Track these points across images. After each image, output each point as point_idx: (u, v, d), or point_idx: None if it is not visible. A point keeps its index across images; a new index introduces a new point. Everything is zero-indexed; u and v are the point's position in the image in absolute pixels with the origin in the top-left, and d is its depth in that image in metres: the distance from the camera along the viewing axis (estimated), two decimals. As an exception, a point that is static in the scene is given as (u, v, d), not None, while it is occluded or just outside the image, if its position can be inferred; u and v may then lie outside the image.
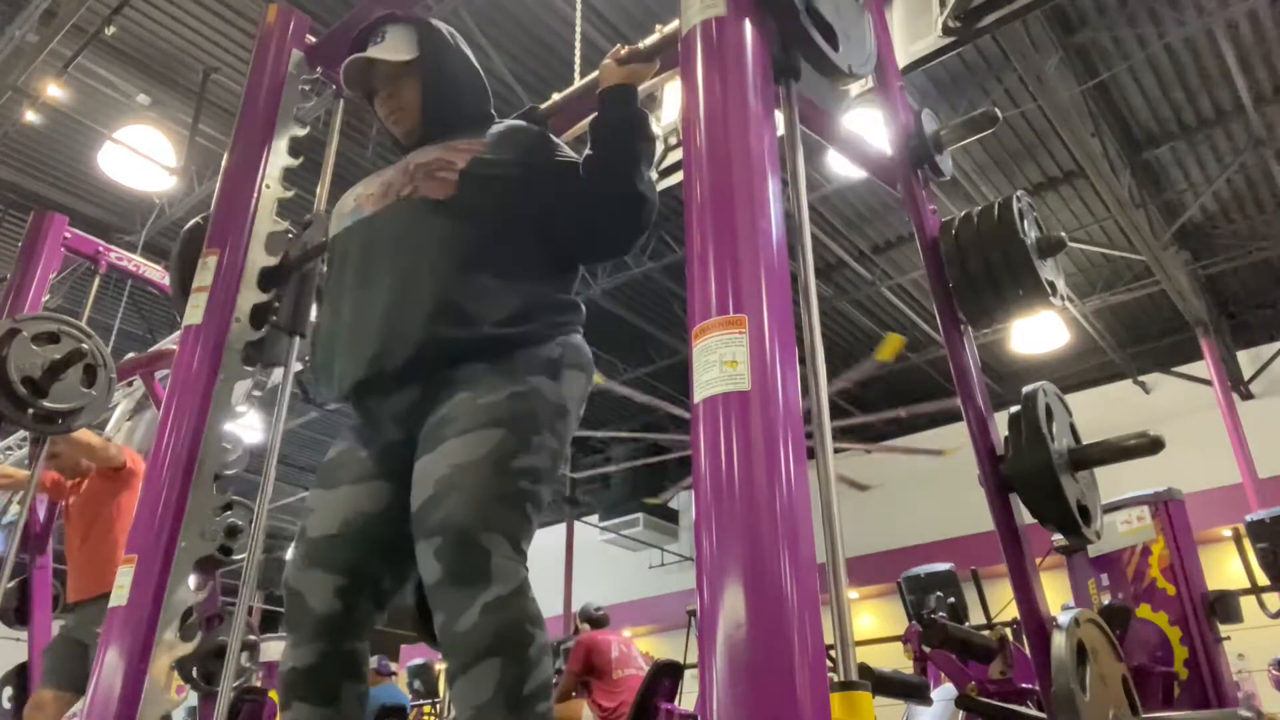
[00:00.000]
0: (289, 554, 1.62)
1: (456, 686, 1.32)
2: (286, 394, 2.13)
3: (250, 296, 2.24)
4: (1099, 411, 7.97)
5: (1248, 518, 3.67)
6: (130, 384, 4.73)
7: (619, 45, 1.75)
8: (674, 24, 1.63)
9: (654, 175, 1.71)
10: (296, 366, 2.20)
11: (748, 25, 1.37)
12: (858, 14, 1.62)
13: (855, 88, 3.95)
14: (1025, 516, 1.66)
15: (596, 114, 1.70)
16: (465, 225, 1.59)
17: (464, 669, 1.31)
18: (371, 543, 1.53)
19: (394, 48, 1.78)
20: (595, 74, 1.80)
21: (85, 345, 2.94)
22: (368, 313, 1.56)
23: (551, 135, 1.82)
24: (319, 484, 1.62)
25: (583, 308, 1.72)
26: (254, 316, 2.18)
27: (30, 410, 2.81)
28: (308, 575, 1.52)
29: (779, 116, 1.42)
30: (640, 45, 1.73)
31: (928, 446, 9.49)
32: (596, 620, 5.44)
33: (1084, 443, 1.71)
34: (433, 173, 1.63)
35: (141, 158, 6.90)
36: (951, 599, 4.31)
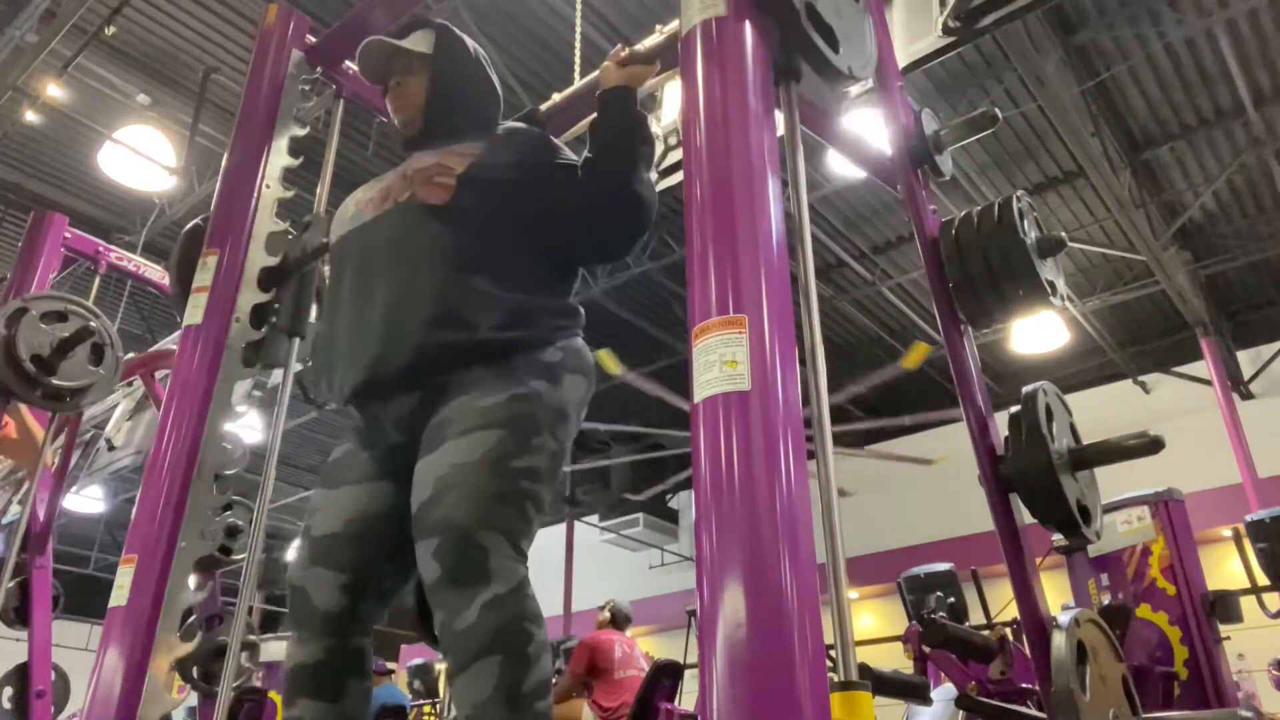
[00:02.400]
0: (293, 552, 1.63)
1: (456, 685, 1.33)
2: (286, 394, 2.13)
3: (250, 296, 2.24)
4: (1099, 411, 7.96)
5: (1248, 518, 3.67)
6: (130, 384, 4.73)
7: (619, 46, 1.75)
8: (674, 24, 1.63)
9: (654, 176, 1.71)
10: (296, 367, 2.20)
11: (748, 26, 1.37)
12: (858, 16, 1.62)
13: (855, 88, 3.94)
14: (1025, 516, 1.66)
15: (596, 116, 1.70)
16: (463, 230, 1.60)
17: (463, 668, 1.31)
18: (375, 542, 1.54)
19: (412, 40, 1.83)
20: (595, 74, 1.80)
21: (93, 324, 2.96)
22: (367, 318, 1.57)
23: (551, 138, 1.83)
24: (323, 483, 1.64)
25: (582, 312, 1.72)
26: (254, 317, 2.18)
27: (39, 388, 2.83)
28: (312, 572, 1.53)
29: (779, 117, 1.42)
30: (640, 47, 1.72)
31: (917, 450, 9.53)
32: (621, 620, 5.43)
33: (1084, 443, 1.71)
34: (430, 178, 1.64)
35: (141, 158, 6.90)
36: (951, 599, 4.31)
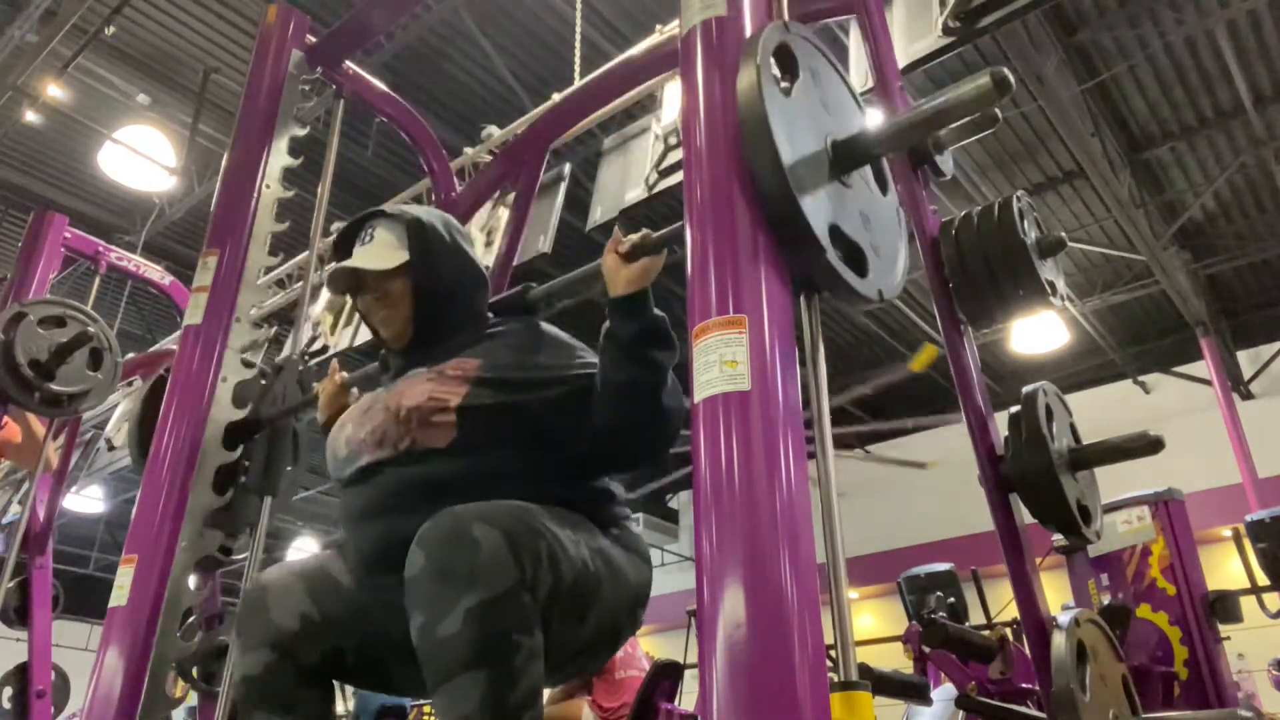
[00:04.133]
0: (293, 552, 1.62)
1: (437, 696, 1.22)
2: (257, 561, 1.99)
3: (250, 297, 2.24)
4: (1099, 411, 7.96)
5: (1248, 518, 3.67)
6: (130, 384, 4.73)
7: (616, 235, 1.48)
8: (673, 29, 1.62)
9: (675, 382, 1.51)
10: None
11: (748, 25, 1.37)
12: (890, 217, 1.48)
13: (855, 88, 3.94)
14: (1025, 516, 1.66)
15: (607, 326, 1.47)
16: (473, 465, 1.46)
17: (444, 680, 1.21)
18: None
19: (382, 253, 1.63)
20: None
21: (91, 329, 2.97)
22: (385, 552, 1.45)
23: (551, 334, 1.67)
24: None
25: (620, 494, 1.61)
26: (217, 481, 2.04)
27: (37, 393, 2.85)
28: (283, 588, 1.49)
29: (802, 322, 1.33)
30: (646, 236, 1.45)
31: (917, 451, 9.50)
32: None
33: (1084, 443, 1.71)
34: (427, 419, 1.48)
35: (141, 158, 6.90)
36: (951, 599, 4.31)
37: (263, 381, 2.11)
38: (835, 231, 1.27)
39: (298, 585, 1.47)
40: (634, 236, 1.46)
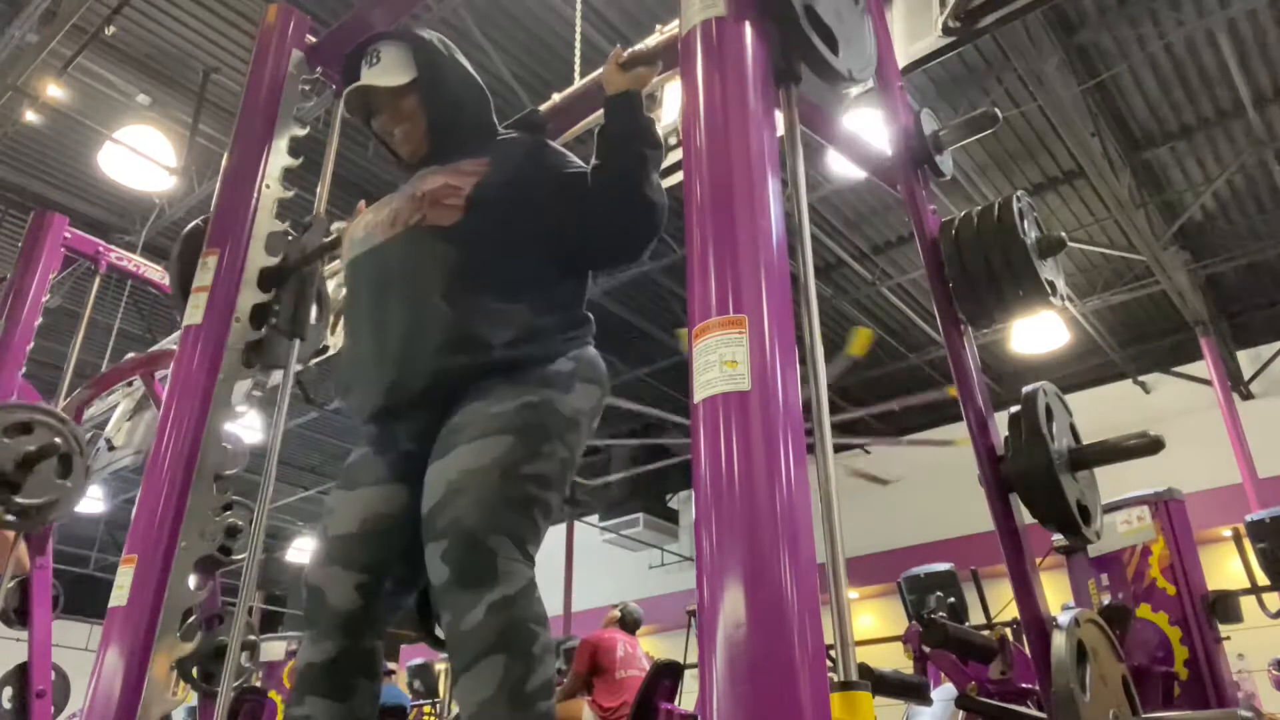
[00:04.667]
0: (293, 552, 1.64)
1: (460, 683, 1.34)
2: (287, 395, 2.13)
3: (250, 296, 2.24)
4: (1099, 411, 7.97)
5: (1248, 518, 3.67)
6: (130, 384, 4.73)
7: (619, 47, 1.71)
8: (674, 24, 1.62)
9: (660, 182, 1.69)
10: (297, 367, 2.20)
11: (748, 26, 1.37)
12: (858, 18, 1.61)
13: (855, 88, 3.95)
14: (1025, 516, 1.66)
15: (603, 123, 1.67)
16: (473, 250, 1.60)
17: (468, 666, 1.33)
18: (389, 542, 1.56)
19: (390, 71, 1.76)
20: (596, 74, 1.79)
21: (59, 437, 2.85)
22: (382, 344, 1.59)
23: (554, 146, 1.81)
24: (340, 485, 1.66)
25: (592, 320, 1.72)
26: (253, 317, 2.17)
27: (2, 507, 2.73)
28: (328, 571, 1.55)
29: (779, 116, 1.42)
30: (642, 46, 1.71)
31: (905, 453, 9.48)
32: (630, 623, 5.42)
33: (1084, 443, 1.71)
34: (439, 200, 1.63)
35: (141, 158, 6.90)
36: (951, 599, 4.31)
37: (290, 236, 2.26)
38: (809, 11, 1.40)
39: (348, 562, 1.54)
40: (632, 48, 1.69)
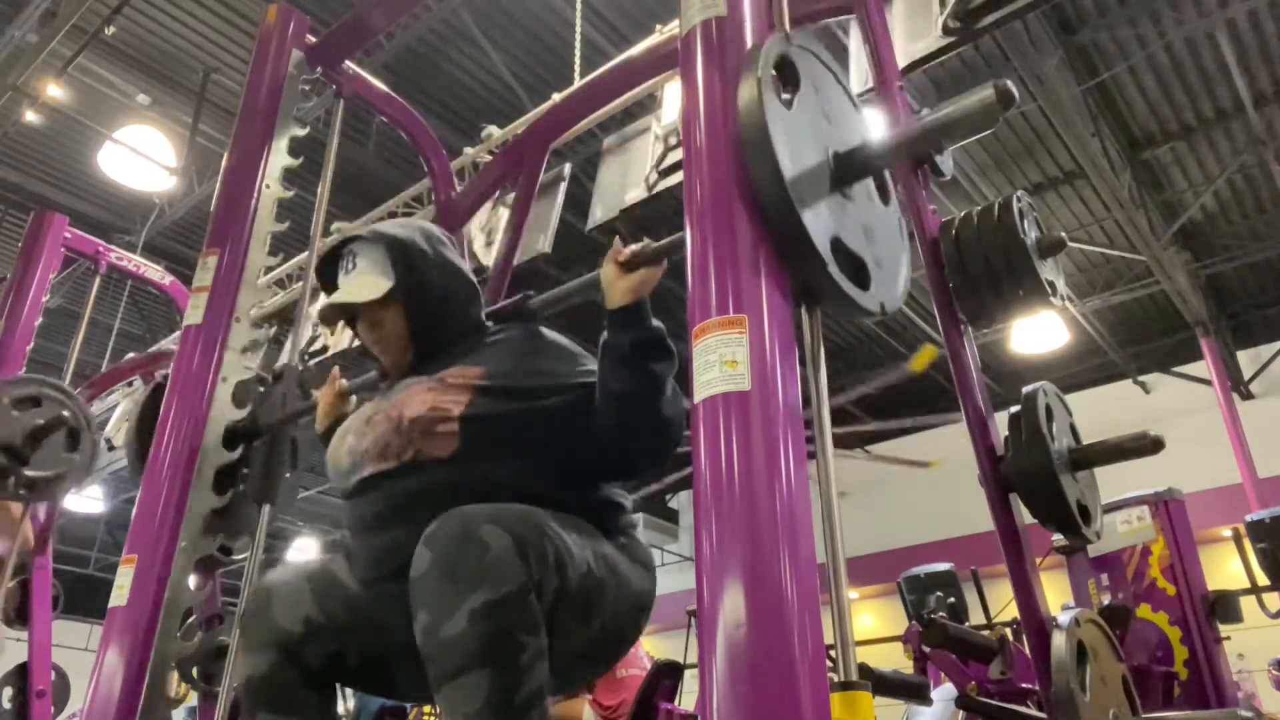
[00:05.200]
0: (293, 552, 1.61)
1: (441, 695, 1.22)
2: (256, 562, 1.98)
3: (250, 297, 2.24)
4: (1099, 411, 7.97)
5: (1248, 518, 3.67)
6: (130, 384, 4.73)
7: (618, 244, 1.48)
8: (674, 24, 1.62)
9: (676, 390, 1.49)
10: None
11: (748, 25, 1.37)
12: (892, 227, 1.46)
13: (855, 87, 3.95)
14: (1025, 516, 1.66)
15: (604, 337, 1.46)
16: (477, 473, 1.45)
17: (450, 677, 1.21)
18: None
19: (367, 281, 1.61)
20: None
21: (67, 410, 2.85)
22: (380, 562, 1.48)
23: (549, 338, 1.66)
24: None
25: (626, 504, 1.59)
26: (217, 482, 2.03)
27: (11, 478, 2.73)
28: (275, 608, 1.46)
29: (803, 332, 1.33)
30: (646, 246, 1.45)
31: (916, 451, 9.48)
32: None
33: (1084, 443, 1.71)
34: (430, 429, 1.47)
35: (141, 158, 6.90)
36: (951, 599, 4.31)
37: (261, 388, 2.09)
38: (837, 244, 1.26)
39: (303, 588, 1.47)
40: (634, 246, 1.45)
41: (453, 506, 1.32)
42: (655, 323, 1.46)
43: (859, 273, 1.30)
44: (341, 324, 1.74)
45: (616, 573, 1.44)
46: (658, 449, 1.50)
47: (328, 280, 1.71)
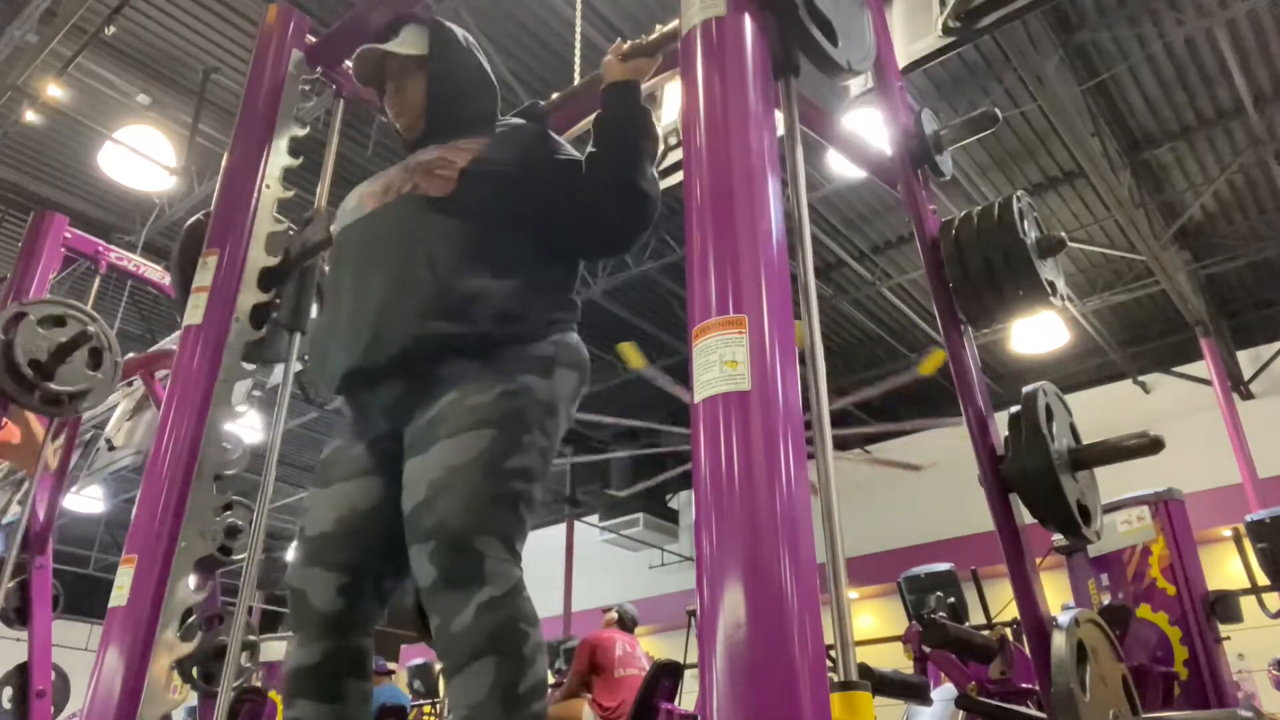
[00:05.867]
0: (293, 552, 1.62)
1: (451, 686, 1.34)
2: (287, 392, 2.13)
3: (250, 296, 2.24)
4: (1099, 411, 7.96)
5: (1248, 518, 3.67)
6: (130, 384, 4.73)
7: (620, 40, 1.74)
8: (674, 23, 1.62)
9: (655, 174, 1.71)
10: (297, 366, 2.20)
11: (748, 25, 1.37)
12: (857, 10, 1.62)
13: (855, 87, 3.95)
14: (1025, 516, 1.66)
15: (600, 110, 1.69)
16: (463, 222, 1.60)
17: (459, 669, 1.32)
18: (368, 539, 1.54)
19: (404, 43, 1.81)
20: (597, 72, 1.79)
21: (91, 328, 2.97)
22: (363, 305, 1.58)
23: (552, 134, 1.83)
24: (315, 482, 1.64)
25: (578, 305, 1.72)
26: (254, 316, 2.17)
27: (37, 392, 2.86)
28: (309, 573, 1.53)
29: (779, 116, 1.42)
30: (643, 40, 1.71)
31: (913, 451, 9.47)
32: (628, 623, 5.43)
33: (1084, 443, 1.71)
34: (432, 170, 1.65)
35: (141, 158, 6.90)
36: (951, 599, 4.31)
37: (291, 230, 2.26)
38: (809, 3, 1.39)
39: (326, 549, 1.54)
40: (632, 41, 1.71)
41: (434, 249, 1.53)
42: (643, 106, 1.68)
43: (828, 31, 1.44)
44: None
45: (555, 419, 1.56)
46: (635, 217, 1.66)
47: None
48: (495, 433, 1.44)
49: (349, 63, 2.66)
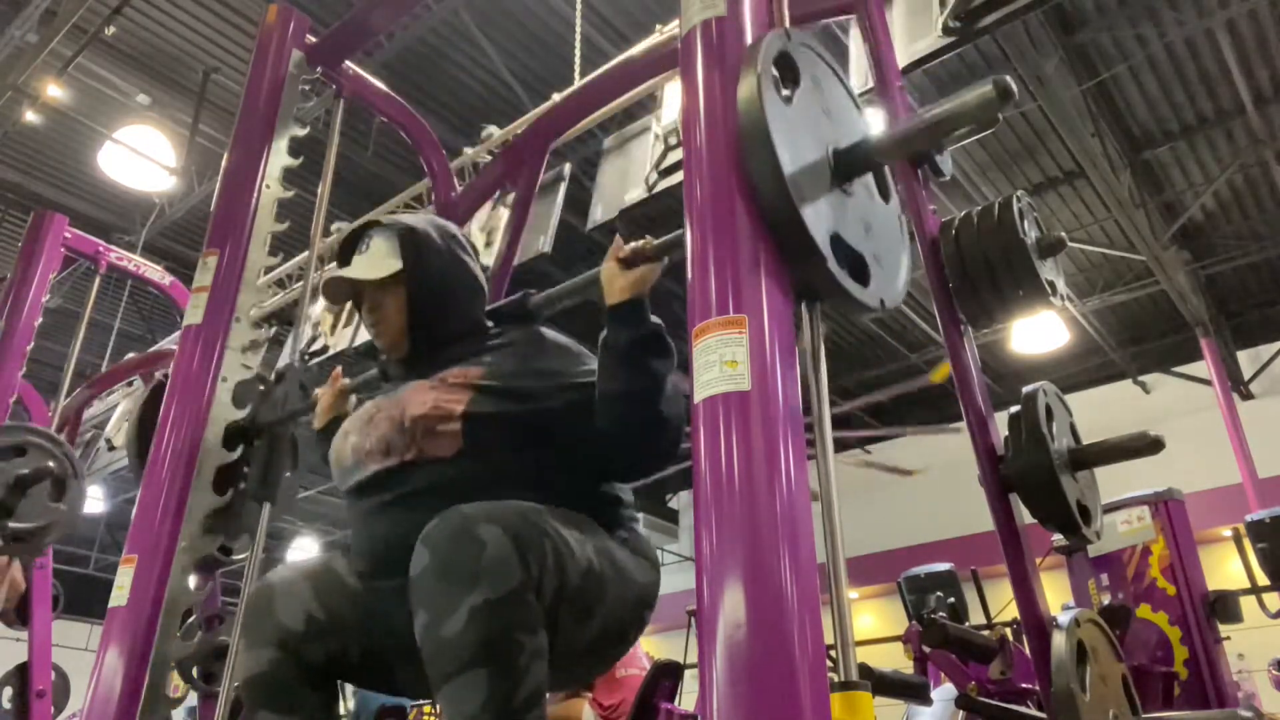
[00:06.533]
0: (293, 552, 1.61)
1: (441, 695, 1.22)
2: (256, 562, 1.98)
3: (250, 297, 2.24)
4: (1099, 411, 7.96)
5: (1248, 518, 3.67)
6: (130, 384, 4.73)
7: (617, 242, 1.49)
8: (674, 24, 1.62)
9: (675, 386, 1.49)
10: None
11: (748, 25, 1.37)
12: (892, 224, 1.46)
13: (855, 87, 3.95)
14: (1025, 516, 1.66)
15: (604, 335, 1.47)
16: (480, 469, 1.46)
17: (448, 678, 1.21)
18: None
19: (375, 262, 1.64)
20: (595, 271, 1.52)
21: (53, 460, 2.79)
22: (378, 552, 1.49)
23: (551, 338, 1.67)
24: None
25: (628, 499, 1.62)
26: (218, 481, 2.03)
27: None
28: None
29: (803, 333, 1.35)
30: (647, 242, 1.46)
31: (910, 452, 9.47)
32: None
33: (1084, 443, 1.71)
34: (433, 428, 1.47)
35: (141, 158, 6.90)
36: (951, 599, 4.31)
37: (261, 387, 2.07)
38: (837, 241, 1.26)
39: (303, 585, 1.47)
40: (634, 243, 1.45)
41: (454, 504, 1.32)
42: (654, 319, 1.46)
43: (859, 269, 1.29)
44: (341, 323, 1.76)
45: (618, 567, 1.44)
46: (657, 447, 1.49)
47: (345, 263, 1.72)
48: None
49: (349, 63, 2.67)
